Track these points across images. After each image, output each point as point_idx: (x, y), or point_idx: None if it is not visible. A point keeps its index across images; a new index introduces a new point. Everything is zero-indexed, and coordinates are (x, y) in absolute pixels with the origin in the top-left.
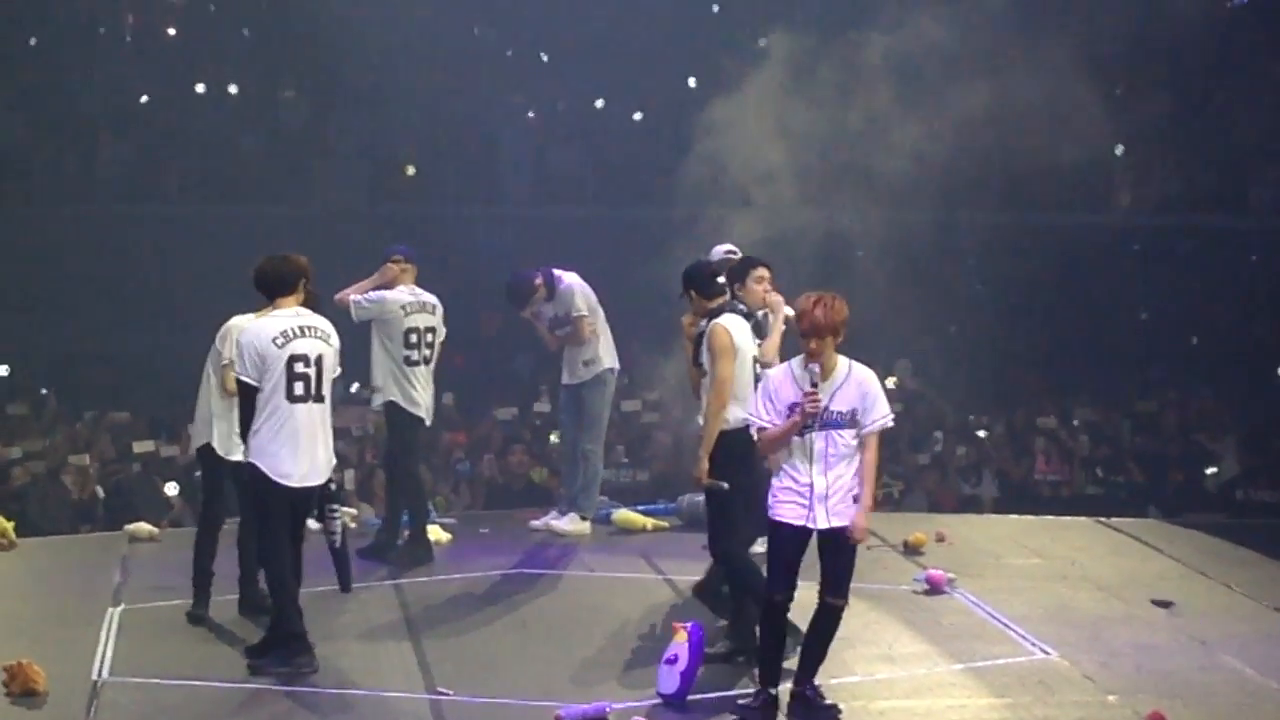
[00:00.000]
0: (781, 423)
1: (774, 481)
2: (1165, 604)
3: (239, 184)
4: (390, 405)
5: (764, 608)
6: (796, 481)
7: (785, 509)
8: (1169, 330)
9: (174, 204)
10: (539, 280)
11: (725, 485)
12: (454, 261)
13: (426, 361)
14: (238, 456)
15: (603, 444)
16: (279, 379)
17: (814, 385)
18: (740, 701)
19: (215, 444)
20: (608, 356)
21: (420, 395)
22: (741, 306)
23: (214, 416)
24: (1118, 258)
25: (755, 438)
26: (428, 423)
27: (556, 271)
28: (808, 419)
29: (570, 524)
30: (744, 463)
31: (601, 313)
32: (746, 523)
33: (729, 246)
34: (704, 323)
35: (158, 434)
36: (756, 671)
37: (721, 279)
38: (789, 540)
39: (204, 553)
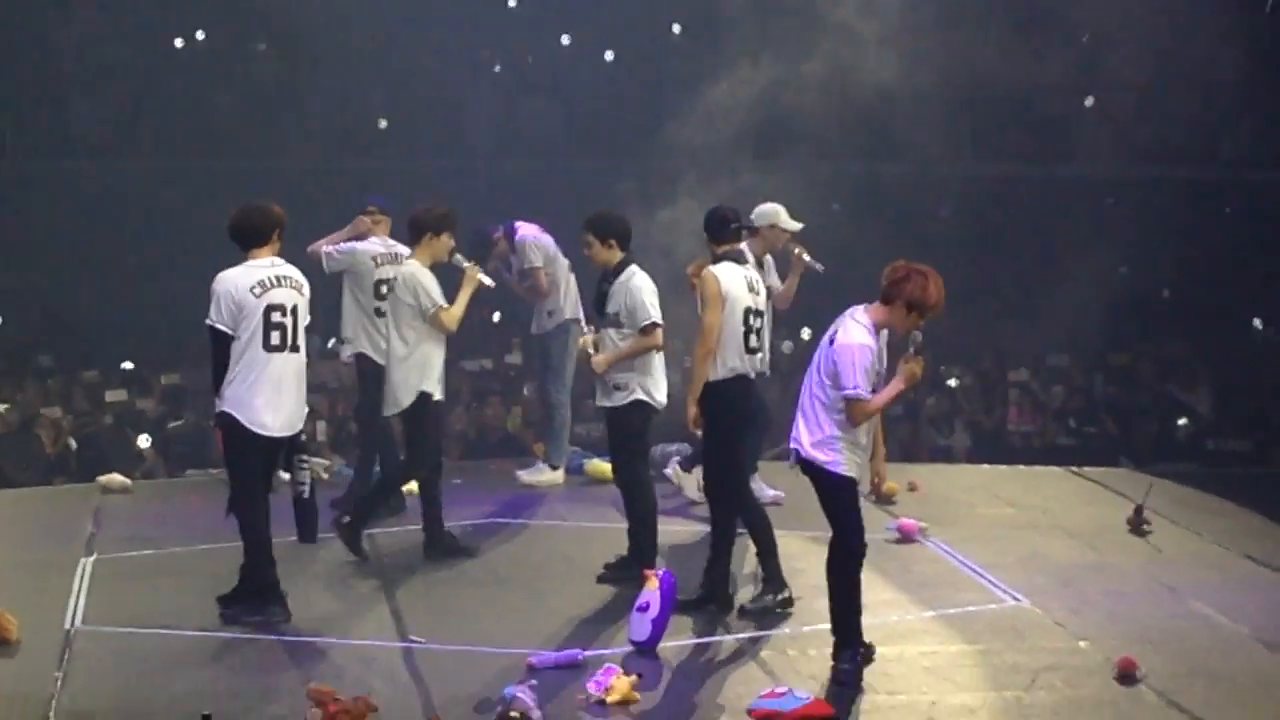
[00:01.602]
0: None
1: (839, 444)
2: (1142, 524)
3: (212, 139)
4: (360, 357)
5: (854, 562)
6: (858, 444)
7: (855, 469)
8: (1143, 283)
9: (147, 159)
10: (498, 234)
11: (699, 432)
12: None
13: None
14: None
15: (569, 394)
16: (256, 329)
17: (917, 352)
18: (844, 667)
19: (429, 389)
20: (570, 307)
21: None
22: (748, 256)
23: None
24: (1091, 210)
25: (857, 411)
26: None
27: (517, 224)
28: (915, 382)
29: (540, 475)
30: (733, 411)
31: (565, 263)
32: (741, 468)
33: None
34: None
35: (130, 387)
36: (840, 631)
37: (735, 226)
38: (856, 495)
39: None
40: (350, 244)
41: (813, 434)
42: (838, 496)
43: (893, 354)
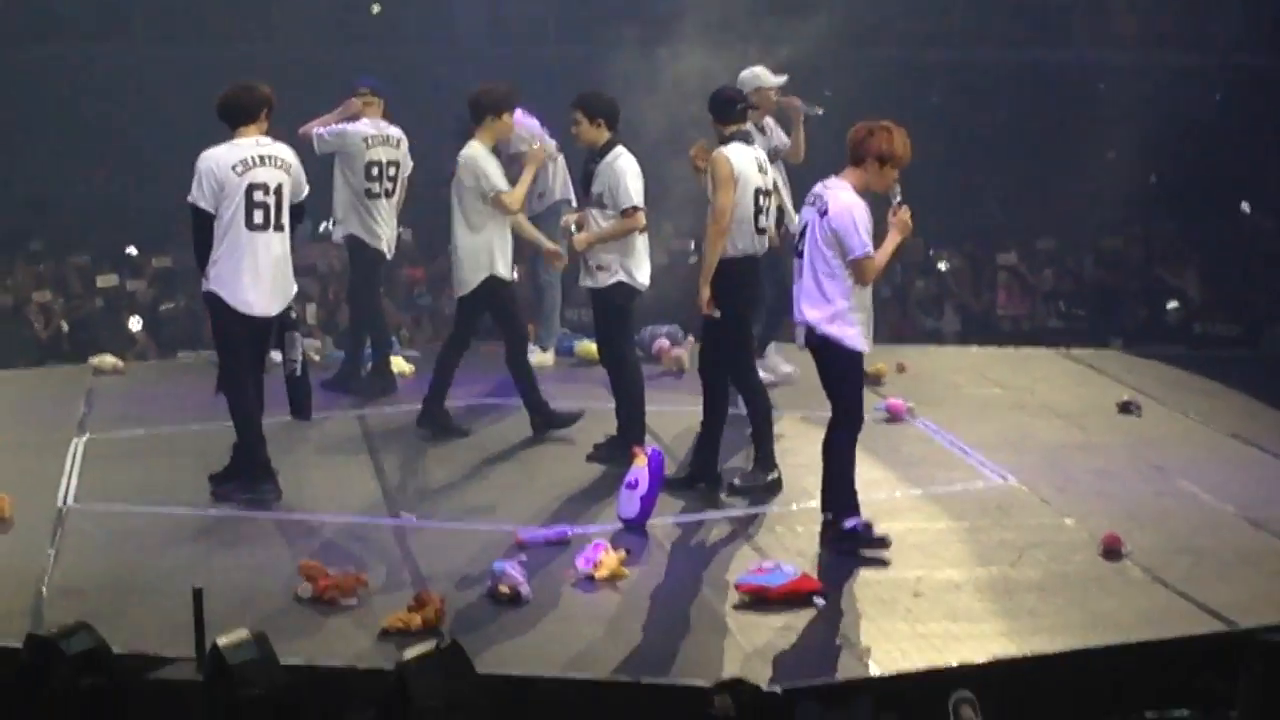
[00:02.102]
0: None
1: (852, 316)
2: (1130, 408)
3: (203, 24)
4: (351, 238)
5: (856, 435)
6: (867, 308)
7: (866, 340)
8: (1131, 168)
9: (138, 45)
10: None
11: (717, 314)
12: (417, 103)
13: (388, 194)
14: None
15: (559, 276)
16: (238, 207)
17: (901, 202)
18: (853, 524)
19: (498, 272)
20: (559, 188)
21: (381, 228)
22: (755, 136)
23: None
24: (1081, 96)
25: (870, 271)
26: (389, 256)
27: None
28: (909, 231)
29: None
30: (740, 292)
31: (553, 144)
32: (749, 349)
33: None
34: None
35: (121, 271)
36: (843, 500)
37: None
38: (863, 370)
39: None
40: (341, 125)
41: (822, 310)
42: (849, 372)
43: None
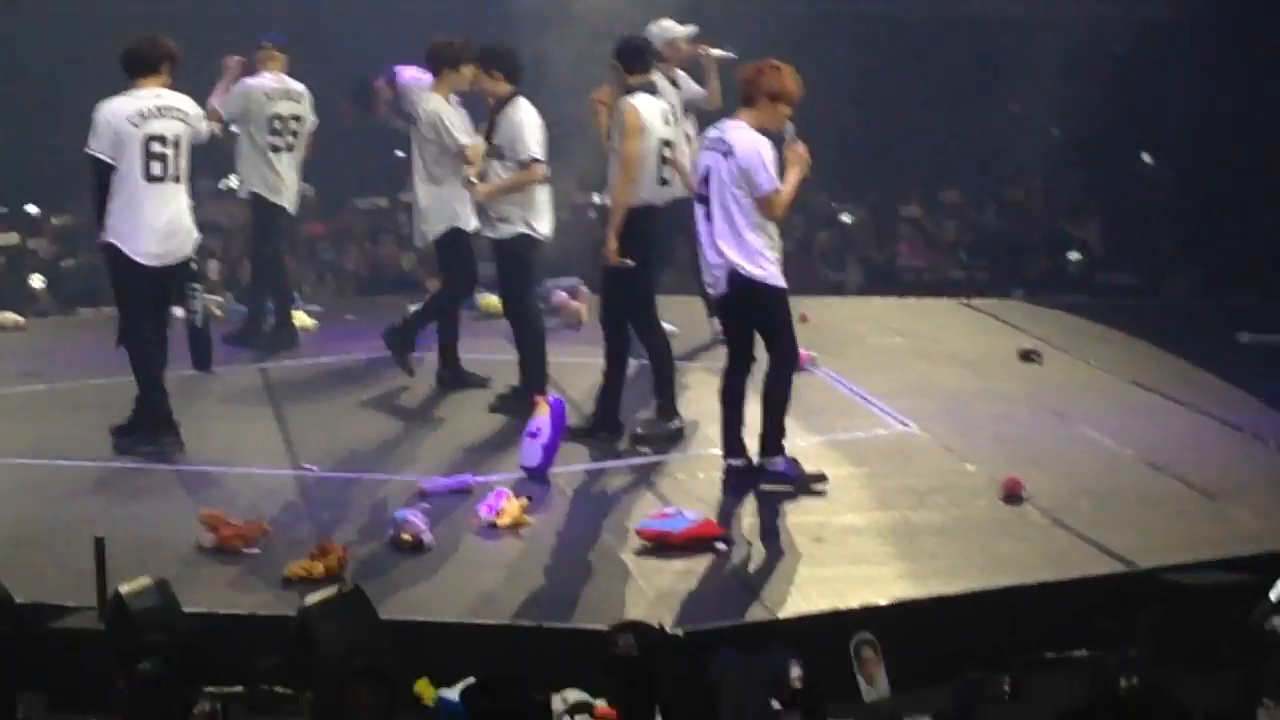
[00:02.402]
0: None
1: (770, 254)
2: (1031, 356)
3: None
4: (254, 194)
5: (792, 372)
6: (779, 246)
7: (783, 278)
8: (1033, 120)
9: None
10: (380, 81)
11: (630, 263)
12: (332, 54)
13: (290, 149)
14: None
15: None
16: (135, 158)
17: (796, 137)
18: (783, 462)
19: (460, 224)
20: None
21: (283, 183)
22: (668, 90)
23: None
24: (985, 49)
25: (778, 206)
26: (291, 211)
27: (398, 68)
28: (807, 164)
29: None
30: (641, 241)
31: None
32: (650, 298)
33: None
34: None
35: (21, 229)
36: (776, 440)
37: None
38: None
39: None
40: (241, 85)
41: (741, 251)
42: (778, 311)
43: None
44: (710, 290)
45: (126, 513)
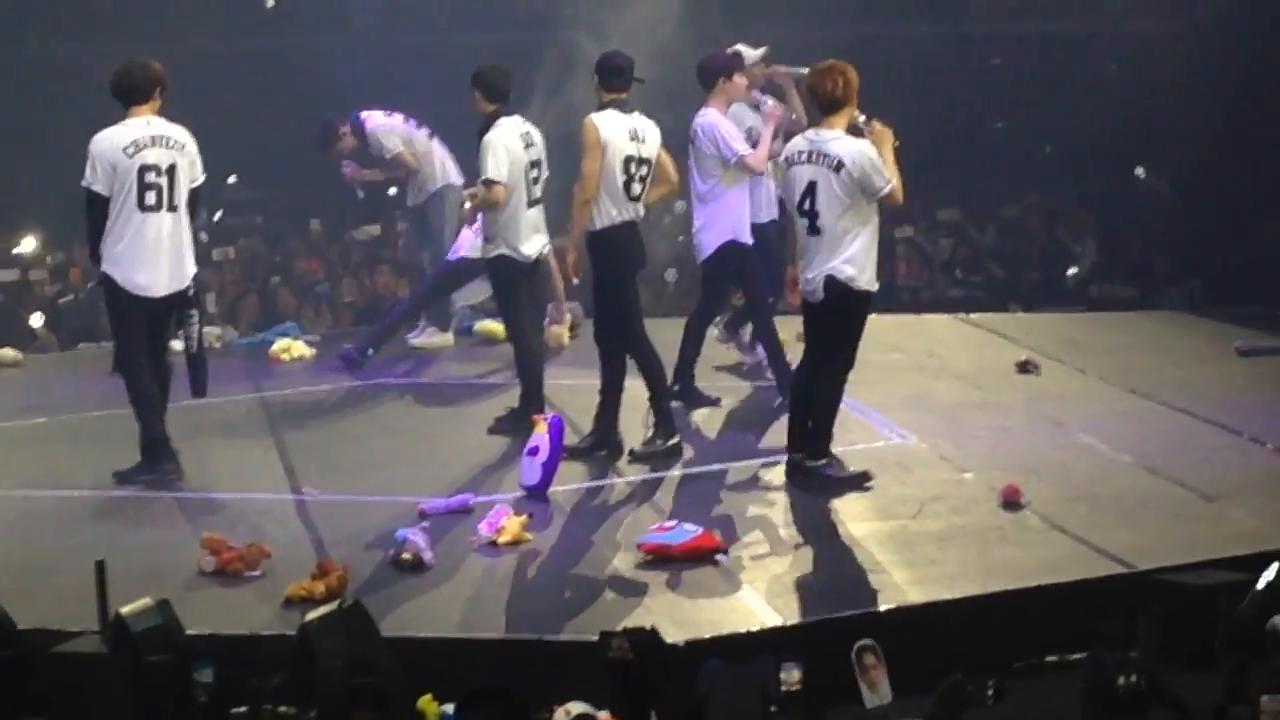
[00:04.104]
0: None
1: (873, 255)
2: (1029, 367)
3: (93, 20)
4: None
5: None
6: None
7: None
8: (1030, 137)
9: (29, 44)
10: (345, 129)
11: (575, 280)
12: (311, 95)
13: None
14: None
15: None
16: (130, 189)
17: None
18: (830, 465)
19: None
20: (439, 175)
21: None
22: (633, 106)
23: None
24: (977, 68)
25: (899, 193)
26: None
27: (363, 114)
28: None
29: (429, 337)
30: (620, 258)
31: (424, 132)
32: (634, 314)
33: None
34: None
35: (20, 267)
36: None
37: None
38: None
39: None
40: None
41: (855, 262)
42: (862, 314)
43: None
44: (809, 299)
45: (127, 540)
